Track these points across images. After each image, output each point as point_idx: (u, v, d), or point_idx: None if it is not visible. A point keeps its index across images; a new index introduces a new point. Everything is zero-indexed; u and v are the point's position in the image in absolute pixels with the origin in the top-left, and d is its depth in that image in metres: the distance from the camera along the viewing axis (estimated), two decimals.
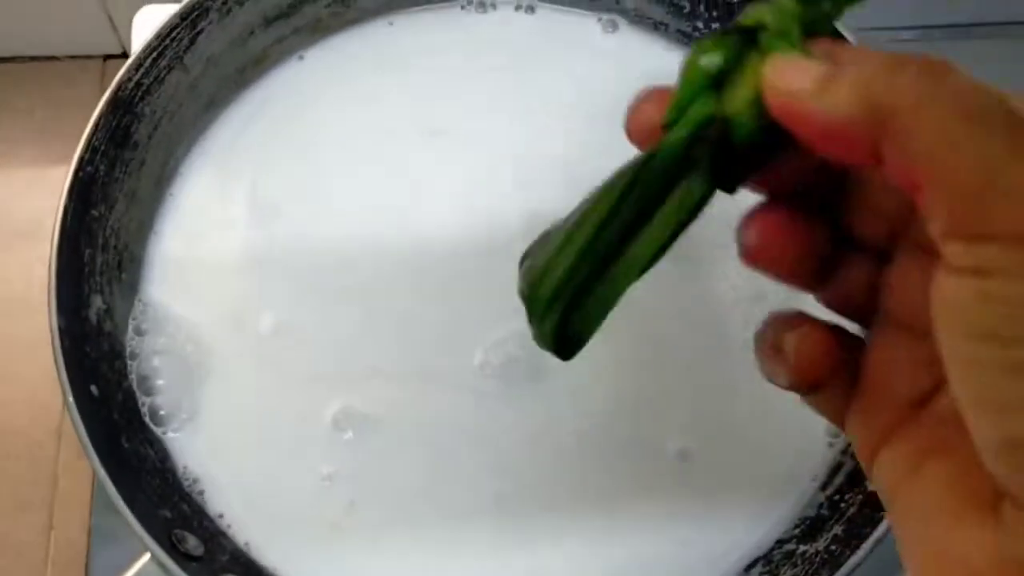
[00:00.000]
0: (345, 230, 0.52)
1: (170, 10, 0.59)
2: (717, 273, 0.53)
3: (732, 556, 0.48)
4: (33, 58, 0.87)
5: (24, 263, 0.82)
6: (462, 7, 0.61)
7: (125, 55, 0.94)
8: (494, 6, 0.61)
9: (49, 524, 0.69)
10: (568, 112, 0.57)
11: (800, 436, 0.51)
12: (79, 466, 0.73)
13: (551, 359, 0.28)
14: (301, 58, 0.59)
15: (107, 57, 0.90)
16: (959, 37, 0.74)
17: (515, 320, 0.30)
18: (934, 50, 0.68)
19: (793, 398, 0.49)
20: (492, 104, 0.57)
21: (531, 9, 0.61)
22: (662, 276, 0.49)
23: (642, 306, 0.50)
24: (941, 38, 0.74)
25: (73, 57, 0.88)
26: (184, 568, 0.40)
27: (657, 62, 0.59)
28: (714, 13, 0.58)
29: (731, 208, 0.27)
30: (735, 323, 0.52)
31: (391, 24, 0.60)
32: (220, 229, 0.53)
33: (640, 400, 0.50)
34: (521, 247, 0.29)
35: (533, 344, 0.28)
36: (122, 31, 0.86)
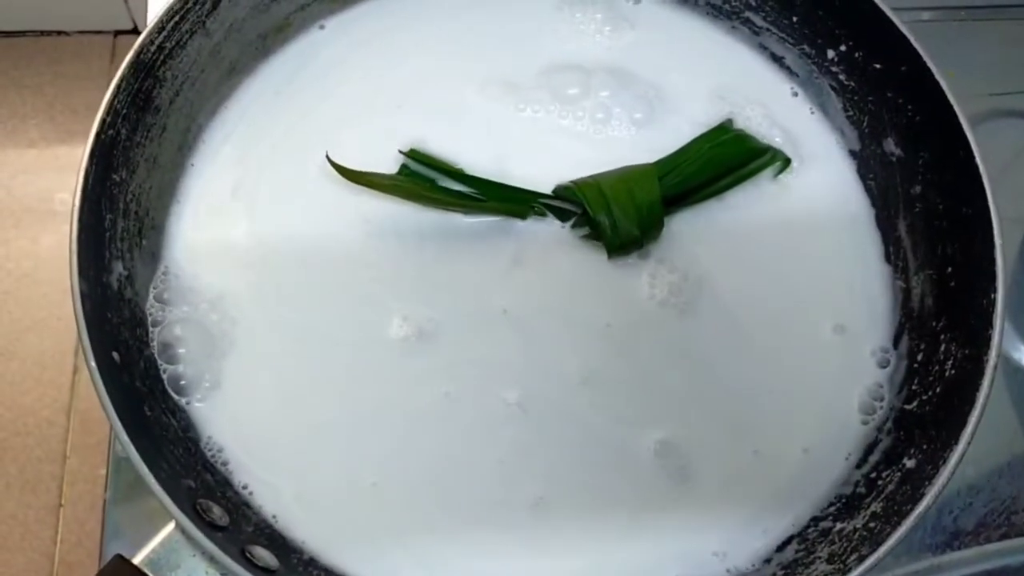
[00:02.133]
0: (375, 201, 0.51)
1: None
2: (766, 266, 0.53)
3: (765, 537, 0.47)
4: (43, 33, 0.86)
5: (32, 238, 0.81)
6: None
7: (136, 31, 0.92)
8: None
9: (58, 502, 0.68)
10: (586, 76, 0.56)
11: (833, 415, 0.50)
12: (88, 444, 0.72)
13: None
14: (322, 27, 0.58)
15: (118, 33, 0.89)
16: (978, 18, 0.74)
17: None
18: (952, 31, 0.68)
19: (825, 377, 0.48)
20: (516, 64, 0.56)
21: None
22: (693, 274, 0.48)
23: (657, 315, 0.50)
24: (962, 19, 0.73)
25: (83, 32, 0.87)
26: (210, 538, 0.39)
27: (681, 30, 0.59)
28: None
29: None
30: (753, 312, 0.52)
31: None
32: (242, 200, 0.52)
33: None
34: None
35: None
36: (133, 6, 0.85)
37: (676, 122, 0.55)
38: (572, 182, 0.52)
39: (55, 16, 0.88)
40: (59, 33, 0.89)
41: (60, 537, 0.66)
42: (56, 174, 0.80)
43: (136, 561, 0.40)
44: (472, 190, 0.52)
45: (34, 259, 0.77)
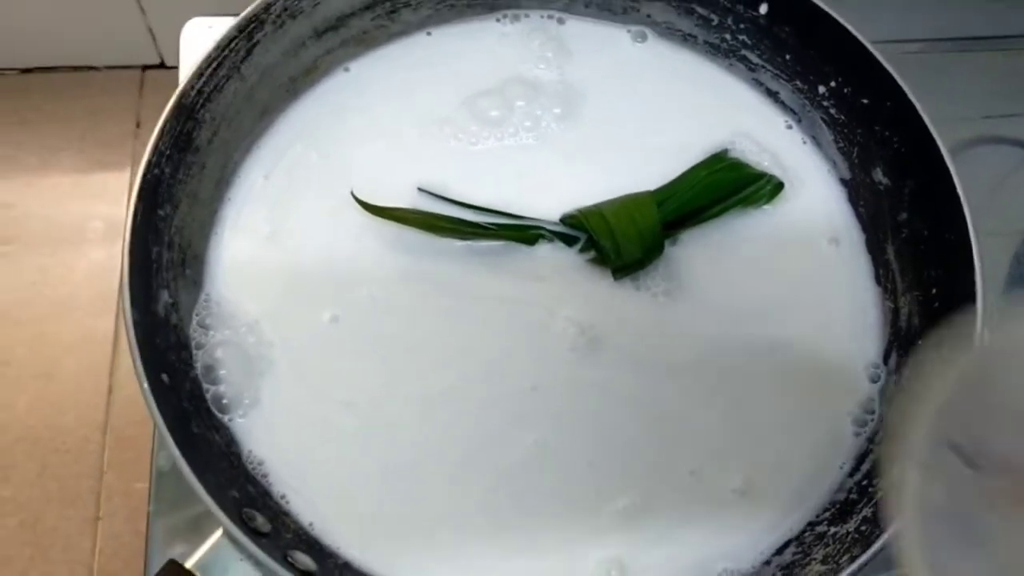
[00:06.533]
0: (396, 230, 0.55)
1: (219, 22, 0.63)
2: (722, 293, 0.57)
3: (765, 541, 0.51)
4: (74, 68, 0.90)
5: (67, 266, 0.85)
6: (497, 20, 0.64)
7: (164, 66, 0.97)
8: (528, 16, 0.65)
9: (96, 515, 0.72)
10: (589, 109, 0.61)
11: (828, 427, 0.53)
12: (123, 460, 0.76)
13: None
14: (347, 70, 0.62)
15: (146, 67, 0.93)
16: (964, 49, 0.78)
17: None
18: (939, 61, 0.72)
19: (822, 393, 0.51)
20: (528, 102, 0.61)
21: (561, 21, 0.65)
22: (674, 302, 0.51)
23: (661, 332, 0.54)
24: (947, 50, 0.77)
25: (112, 67, 0.92)
26: (256, 543, 0.42)
27: (682, 67, 0.63)
28: (741, 26, 0.61)
29: None
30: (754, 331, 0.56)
31: (429, 35, 0.64)
32: (276, 230, 0.56)
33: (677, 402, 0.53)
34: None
35: None
36: (161, 42, 0.89)
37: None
38: (577, 211, 0.56)
39: (85, 52, 0.92)
40: (89, 68, 0.93)
41: (99, 548, 0.70)
42: (88, 203, 0.84)
43: (188, 565, 0.44)
44: (485, 219, 0.55)
45: (70, 285, 0.81)
